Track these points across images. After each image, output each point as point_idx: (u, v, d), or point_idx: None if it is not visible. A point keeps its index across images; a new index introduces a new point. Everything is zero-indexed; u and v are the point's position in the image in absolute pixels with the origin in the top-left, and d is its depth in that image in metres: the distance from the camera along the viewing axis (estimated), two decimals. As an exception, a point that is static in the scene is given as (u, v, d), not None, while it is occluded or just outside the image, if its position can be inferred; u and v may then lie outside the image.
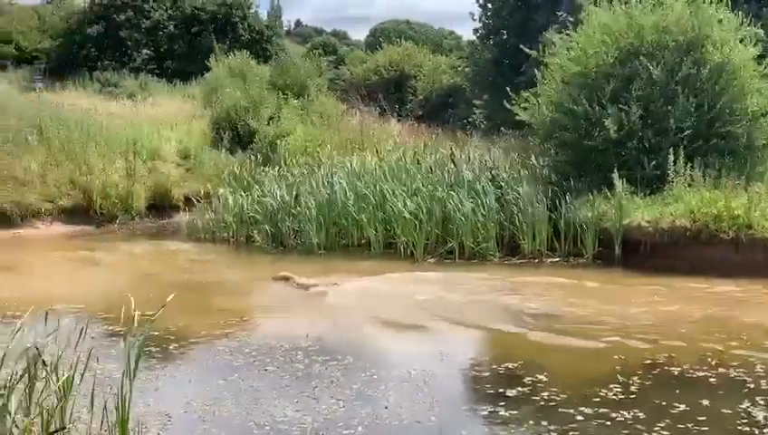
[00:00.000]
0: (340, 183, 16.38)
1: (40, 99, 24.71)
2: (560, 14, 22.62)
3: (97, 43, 44.45)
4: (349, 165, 17.96)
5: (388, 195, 15.70)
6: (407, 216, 14.94)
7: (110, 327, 9.22)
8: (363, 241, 15.75)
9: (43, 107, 22.06)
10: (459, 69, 37.73)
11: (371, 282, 12.41)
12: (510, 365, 8.08)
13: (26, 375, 5.92)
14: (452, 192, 15.31)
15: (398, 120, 28.76)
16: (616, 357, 8.26)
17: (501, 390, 7.33)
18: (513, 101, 16.62)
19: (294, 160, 19.45)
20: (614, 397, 7.04)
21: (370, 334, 9.84)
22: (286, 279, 12.48)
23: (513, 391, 7.27)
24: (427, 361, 8.36)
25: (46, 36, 47.64)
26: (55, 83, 37.43)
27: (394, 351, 9.06)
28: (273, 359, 8.38)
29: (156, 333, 8.51)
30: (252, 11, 47.57)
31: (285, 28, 66.34)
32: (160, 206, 19.97)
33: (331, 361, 8.27)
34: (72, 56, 44.08)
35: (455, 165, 16.95)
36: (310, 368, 8.06)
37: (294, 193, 16.70)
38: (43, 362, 5.91)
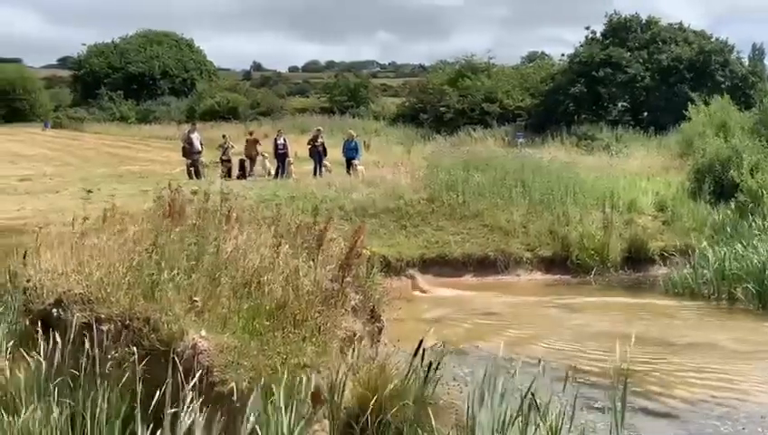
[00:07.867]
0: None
1: (522, 153, 26.37)
2: None
3: (575, 99, 46.13)
4: None
5: None
6: None
7: (593, 378, 9.29)
8: None
9: (525, 161, 23.43)
10: None
11: None
12: None
13: (519, 418, 6.32)
14: None
15: None
16: None
17: None
18: None
19: (783, 212, 17.92)
20: None
21: None
22: None
23: None
24: None
25: (527, 94, 50.92)
26: (534, 138, 39.78)
27: None
28: (764, 430, 7.71)
29: (639, 390, 8.45)
30: (734, 56, 45.30)
31: (770, 71, 61.65)
32: (636, 258, 19.64)
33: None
34: (551, 112, 46.32)
35: None
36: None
37: (782, 249, 15.32)
38: (537, 406, 6.23)
